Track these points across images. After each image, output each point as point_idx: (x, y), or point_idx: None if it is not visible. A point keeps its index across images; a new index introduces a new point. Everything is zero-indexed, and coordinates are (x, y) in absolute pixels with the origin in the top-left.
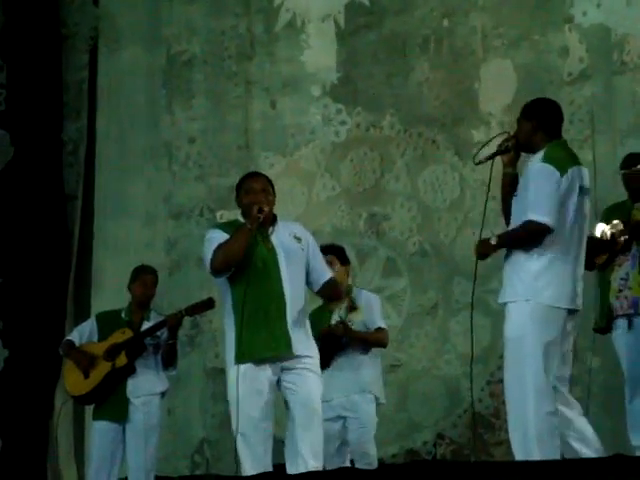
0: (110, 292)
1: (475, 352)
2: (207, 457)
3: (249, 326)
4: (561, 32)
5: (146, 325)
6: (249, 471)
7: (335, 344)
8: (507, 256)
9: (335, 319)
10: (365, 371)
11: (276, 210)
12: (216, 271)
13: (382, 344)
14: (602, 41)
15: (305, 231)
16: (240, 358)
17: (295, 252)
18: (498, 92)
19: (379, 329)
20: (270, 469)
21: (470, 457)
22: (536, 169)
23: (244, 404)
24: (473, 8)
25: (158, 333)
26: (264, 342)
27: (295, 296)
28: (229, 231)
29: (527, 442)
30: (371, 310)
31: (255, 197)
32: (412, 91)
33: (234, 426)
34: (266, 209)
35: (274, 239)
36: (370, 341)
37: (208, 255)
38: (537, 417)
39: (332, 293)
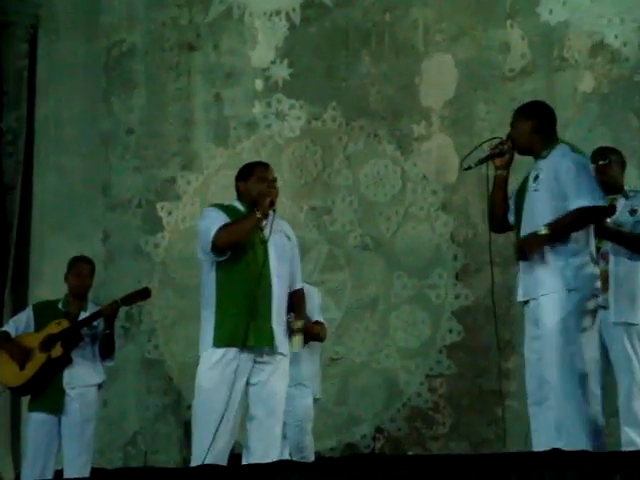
0: (48, 283)
1: (414, 346)
2: (142, 449)
3: (233, 312)
4: (502, 28)
5: (83, 316)
6: (198, 460)
7: None
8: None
9: None
10: (303, 365)
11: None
12: (217, 249)
13: (320, 338)
14: (543, 37)
15: (293, 232)
16: (218, 342)
17: (285, 250)
18: (439, 87)
19: (317, 322)
20: (224, 462)
21: (408, 451)
22: (575, 160)
23: (210, 393)
24: (414, 3)
25: (95, 324)
26: (247, 330)
27: (281, 292)
28: (227, 213)
29: (578, 431)
30: (310, 303)
31: (268, 188)
32: (354, 85)
33: (198, 412)
34: (276, 201)
35: (267, 233)
36: (309, 334)
37: (209, 232)
38: (585, 404)
39: (295, 304)
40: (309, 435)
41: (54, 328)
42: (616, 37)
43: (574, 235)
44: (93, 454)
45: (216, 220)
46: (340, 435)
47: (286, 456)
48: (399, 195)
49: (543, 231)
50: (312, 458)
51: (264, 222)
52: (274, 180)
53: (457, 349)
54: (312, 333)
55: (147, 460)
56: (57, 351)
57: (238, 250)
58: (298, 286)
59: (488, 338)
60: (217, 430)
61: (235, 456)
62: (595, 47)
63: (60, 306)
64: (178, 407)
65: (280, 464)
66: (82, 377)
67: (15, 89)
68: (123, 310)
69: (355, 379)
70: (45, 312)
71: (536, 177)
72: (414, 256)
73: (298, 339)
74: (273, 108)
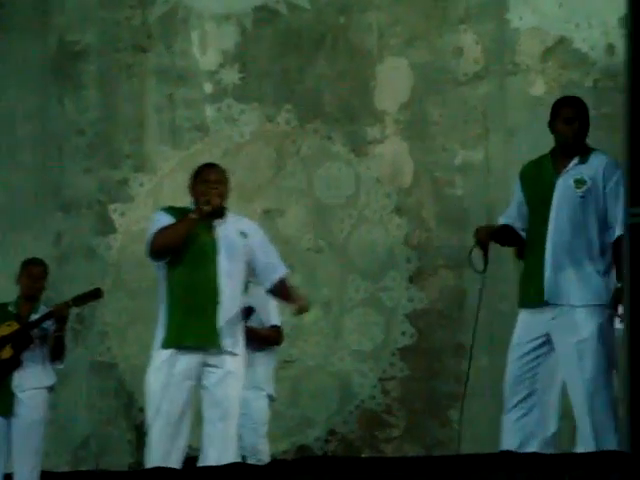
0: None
1: (368, 349)
2: (94, 452)
3: (179, 313)
4: (456, 32)
5: (34, 317)
6: (153, 462)
7: None
8: (575, 256)
9: None
10: (258, 368)
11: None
12: (152, 254)
13: (276, 342)
14: (496, 42)
15: (256, 228)
16: (166, 343)
17: (237, 248)
18: (394, 90)
19: (273, 327)
20: (178, 464)
21: (361, 453)
22: (620, 175)
23: (162, 393)
24: (369, 7)
25: (45, 325)
26: (191, 330)
27: (231, 291)
28: (177, 216)
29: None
30: (266, 306)
31: (207, 188)
32: (308, 87)
33: (147, 415)
34: (214, 202)
35: (218, 232)
36: (264, 338)
37: (148, 236)
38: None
39: (281, 294)
40: (264, 438)
41: (4, 330)
42: (584, 41)
43: None
44: (43, 457)
45: (158, 224)
46: (293, 438)
47: (239, 459)
48: (353, 198)
49: None
50: (267, 461)
51: (216, 222)
52: (217, 181)
53: (410, 352)
54: (268, 338)
55: (98, 463)
56: (6, 353)
57: (186, 253)
58: (277, 276)
59: (441, 341)
60: (167, 432)
61: (191, 459)
62: (550, 51)
63: (10, 308)
64: (130, 410)
65: (234, 467)
66: (32, 379)
67: None
68: (74, 312)
69: (308, 382)
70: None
71: (580, 181)
72: (368, 259)
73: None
74: (224, 112)
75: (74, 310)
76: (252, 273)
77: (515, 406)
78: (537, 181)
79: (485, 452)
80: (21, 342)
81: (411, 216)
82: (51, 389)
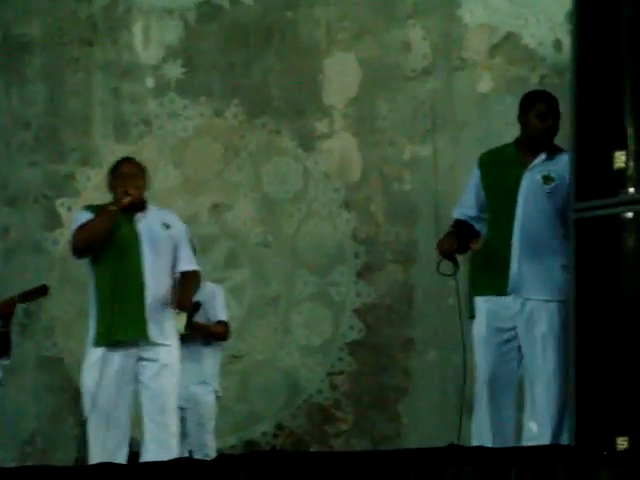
0: None
1: (316, 343)
2: (40, 448)
3: (107, 309)
4: (404, 28)
5: None
6: (94, 458)
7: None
8: (541, 251)
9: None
10: (206, 363)
11: None
12: (75, 251)
13: (223, 337)
14: (443, 38)
15: (178, 220)
16: (96, 341)
17: (161, 239)
18: (342, 85)
19: (221, 322)
20: (122, 460)
21: (309, 448)
22: None
23: (94, 390)
24: (317, 1)
25: None
26: (119, 325)
27: (157, 282)
28: (97, 213)
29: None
30: (214, 302)
31: (124, 181)
32: (256, 81)
33: (85, 412)
34: (132, 193)
35: (140, 224)
36: (211, 333)
37: (71, 234)
38: None
39: (180, 286)
40: (211, 433)
41: None
42: (532, 37)
43: None
44: None
45: (79, 222)
46: (240, 432)
47: (186, 454)
48: (301, 193)
49: None
50: (214, 456)
51: (137, 215)
52: (133, 174)
53: (358, 347)
54: (215, 333)
55: (45, 459)
56: None
57: (108, 247)
58: (183, 268)
59: (389, 336)
60: (105, 428)
61: (135, 454)
62: (498, 47)
63: None
64: (76, 405)
65: (180, 462)
66: None
67: None
68: (21, 307)
69: (256, 376)
70: None
71: (548, 178)
72: (316, 254)
73: (179, 318)
74: (169, 106)
75: (21, 305)
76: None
77: (494, 403)
78: (500, 171)
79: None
80: None
81: (359, 211)
82: None
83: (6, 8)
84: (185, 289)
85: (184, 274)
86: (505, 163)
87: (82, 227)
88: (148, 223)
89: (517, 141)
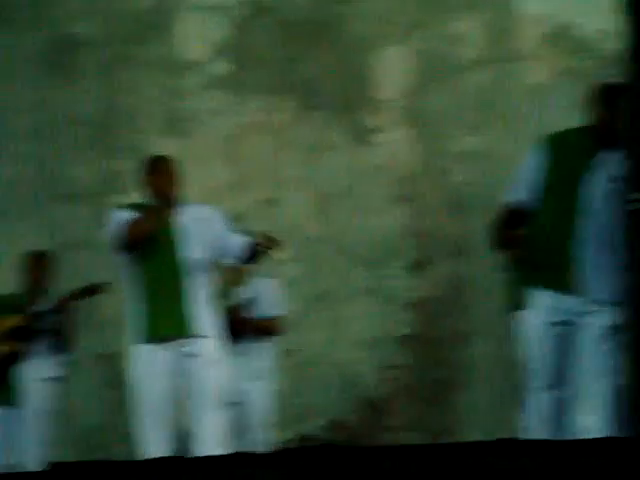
0: (3, 276)
1: (369, 338)
2: (102, 442)
3: (149, 305)
4: (457, 19)
5: (38, 310)
6: (145, 454)
7: (230, 330)
8: (606, 249)
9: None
10: (260, 358)
11: None
12: (121, 248)
13: (278, 332)
14: (496, 29)
15: (213, 212)
16: (140, 337)
17: (199, 234)
18: (394, 78)
19: (275, 316)
20: (171, 454)
21: (364, 442)
22: None
23: (142, 387)
24: None
25: (51, 317)
26: (164, 322)
27: (197, 277)
28: (136, 211)
29: None
30: (267, 297)
31: (163, 179)
32: (308, 76)
33: (133, 409)
34: (175, 191)
35: (179, 220)
36: (264, 328)
37: (113, 232)
38: None
39: (252, 254)
40: (266, 428)
41: (9, 321)
42: (585, 27)
43: None
44: (52, 448)
45: (119, 220)
46: (295, 426)
47: (241, 449)
48: (354, 187)
49: None
50: (270, 450)
51: (173, 212)
52: (171, 172)
53: (412, 340)
54: (268, 328)
55: (106, 454)
56: (11, 345)
57: (149, 244)
58: (243, 243)
59: (441, 329)
60: (154, 424)
61: (183, 449)
62: (551, 38)
63: (15, 299)
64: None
65: (233, 456)
66: (38, 370)
67: None
68: (79, 303)
69: (310, 371)
70: (1, 306)
71: (614, 176)
72: (369, 248)
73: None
74: (218, 103)
75: (78, 302)
76: (221, 255)
77: (548, 396)
78: (568, 155)
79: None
80: (26, 333)
81: (412, 204)
82: (58, 380)
83: (59, 7)
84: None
85: (249, 244)
86: (575, 149)
87: (129, 224)
88: (186, 218)
89: (588, 128)
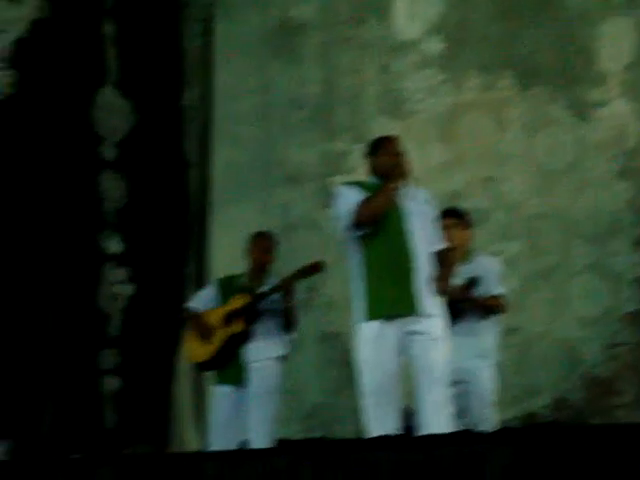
0: (228, 257)
1: (594, 315)
2: (323, 421)
3: (378, 284)
4: None
5: (263, 290)
6: (372, 431)
7: (453, 310)
8: None
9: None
10: (483, 336)
11: None
12: (357, 224)
13: (500, 310)
14: None
15: (431, 197)
16: (370, 315)
17: (424, 214)
18: (617, 51)
19: (497, 295)
20: (396, 431)
21: (589, 420)
22: None
23: (371, 364)
24: None
25: (275, 297)
26: (393, 300)
27: (424, 256)
28: (361, 189)
29: None
30: (489, 275)
31: (397, 158)
32: (527, 51)
33: (362, 387)
34: (409, 170)
35: (406, 201)
36: (487, 307)
37: (347, 208)
38: None
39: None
40: (490, 407)
41: (236, 303)
42: None
43: None
44: (277, 425)
45: (352, 197)
46: (520, 405)
47: (464, 427)
48: (576, 163)
49: None
50: (494, 429)
51: (399, 192)
52: (402, 152)
53: (637, 318)
54: (491, 306)
55: (327, 431)
56: (239, 326)
57: (380, 222)
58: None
59: None
60: (382, 402)
61: (408, 427)
62: None
63: (242, 281)
64: (356, 379)
65: (459, 434)
66: (264, 350)
67: (193, 68)
68: (303, 283)
69: (534, 349)
70: (228, 287)
71: None
72: (592, 224)
73: None
74: (436, 81)
75: (302, 281)
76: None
77: None
78: None
79: None
80: (252, 314)
81: (636, 179)
82: (283, 359)
83: None
84: (447, 257)
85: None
86: None
87: (365, 202)
88: (412, 199)
89: None
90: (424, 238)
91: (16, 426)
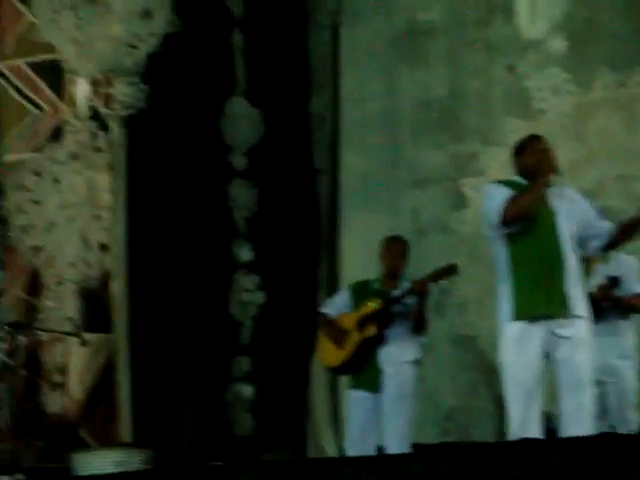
0: (358, 262)
1: None
2: (459, 424)
3: (526, 283)
4: None
5: (396, 294)
6: (514, 435)
7: (594, 309)
8: None
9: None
10: (625, 336)
11: None
12: (506, 222)
13: None
14: None
15: (575, 193)
16: (515, 315)
17: (571, 214)
18: None
19: (638, 293)
20: (538, 434)
21: None
22: None
23: (515, 366)
24: None
25: (407, 301)
26: (541, 300)
27: (573, 257)
28: (510, 188)
29: None
30: (631, 274)
31: (544, 154)
32: None
33: (504, 387)
34: (558, 168)
35: (554, 199)
36: (630, 306)
37: (497, 207)
38: None
39: (618, 235)
40: (633, 408)
41: (368, 307)
42: None
43: None
44: (412, 430)
45: (501, 195)
46: None
47: (606, 429)
48: None
49: None
50: (636, 430)
51: (548, 190)
52: (547, 150)
53: None
54: (634, 305)
55: (464, 435)
56: (372, 330)
57: (528, 221)
58: (610, 226)
59: None
60: (525, 403)
61: (550, 430)
62: None
63: (374, 285)
64: (491, 382)
65: (601, 437)
66: (397, 354)
67: (320, 75)
68: (435, 286)
69: None
70: (361, 292)
71: None
72: None
73: None
74: (573, 77)
75: (435, 284)
76: (587, 238)
77: None
78: None
79: None
80: (385, 318)
81: None
82: (416, 363)
83: None
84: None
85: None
86: None
87: (514, 200)
88: (558, 197)
89: None
90: (571, 238)
91: (157, 435)
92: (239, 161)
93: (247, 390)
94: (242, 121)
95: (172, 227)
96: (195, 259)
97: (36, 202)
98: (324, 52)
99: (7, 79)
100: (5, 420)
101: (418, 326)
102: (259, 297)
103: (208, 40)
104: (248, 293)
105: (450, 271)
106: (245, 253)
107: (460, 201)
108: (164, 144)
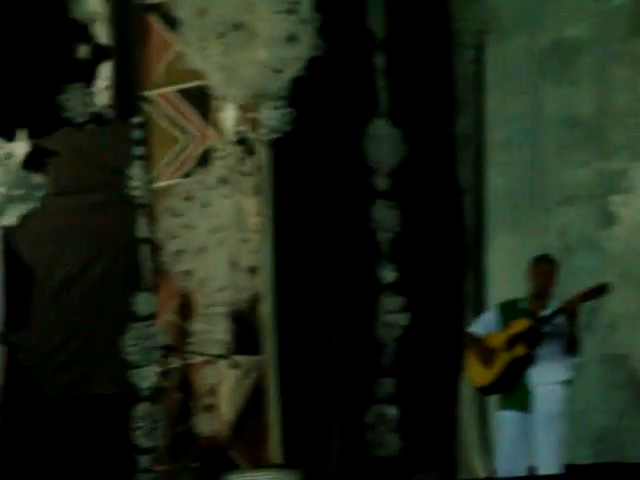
0: (504, 281)
1: None
2: (612, 445)
3: None
4: None
5: (545, 313)
6: None
7: None
8: None
9: None
10: None
11: None
12: None
13: None
14: None
15: None
16: None
17: None
18: None
19: None
20: None
21: None
22: None
23: None
24: None
25: (558, 320)
26: None
27: None
28: None
29: None
30: None
31: None
32: None
33: None
34: None
35: None
36: None
37: None
38: None
39: None
40: None
41: (517, 326)
42: None
43: None
44: (564, 450)
45: None
46: None
47: None
48: None
49: None
50: None
51: None
52: None
53: None
54: None
55: (617, 455)
56: (520, 350)
57: None
58: None
59: None
60: None
61: None
62: None
63: (522, 305)
64: None
65: None
66: (548, 374)
67: (465, 94)
68: (584, 305)
69: None
70: (509, 311)
71: None
72: None
73: None
74: None
75: (584, 303)
76: None
77: None
78: None
79: None
80: (535, 338)
81: None
82: (568, 383)
83: (558, 12)
84: None
85: None
86: None
87: None
88: None
89: None
90: None
91: (306, 456)
92: (382, 182)
93: (391, 411)
94: (384, 142)
95: (317, 249)
96: (340, 281)
97: (187, 227)
98: (468, 71)
99: (157, 107)
100: (161, 442)
101: (571, 347)
102: (403, 318)
103: (351, 62)
104: (392, 314)
105: (602, 291)
106: (389, 274)
107: (608, 218)
108: (309, 166)
